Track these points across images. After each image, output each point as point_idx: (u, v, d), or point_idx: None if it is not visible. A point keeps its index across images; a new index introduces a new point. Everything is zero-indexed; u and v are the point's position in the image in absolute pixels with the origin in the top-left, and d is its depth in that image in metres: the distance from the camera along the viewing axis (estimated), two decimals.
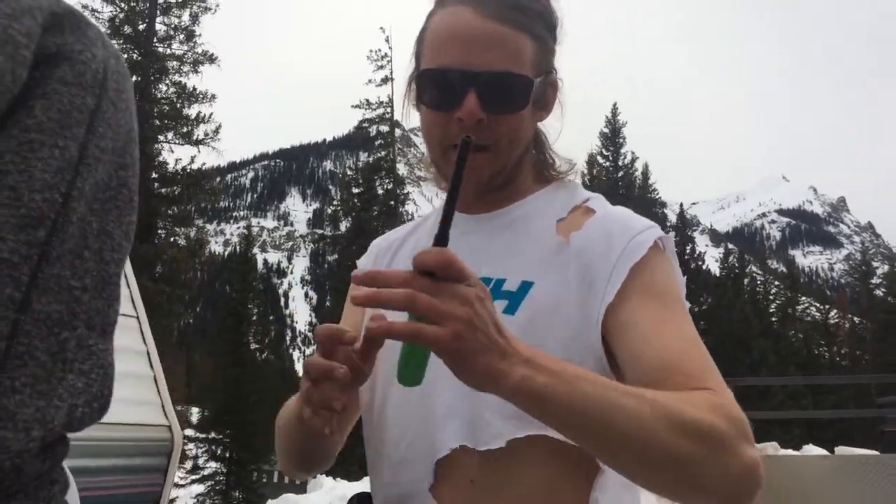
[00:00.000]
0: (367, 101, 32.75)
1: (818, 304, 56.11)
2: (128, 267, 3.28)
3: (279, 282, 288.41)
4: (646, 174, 44.30)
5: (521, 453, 0.97)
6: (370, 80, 32.20)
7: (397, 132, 34.46)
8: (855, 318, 54.18)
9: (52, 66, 0.50)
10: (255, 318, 42.93)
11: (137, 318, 3.18)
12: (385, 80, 31.89)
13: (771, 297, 48.71)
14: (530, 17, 1.04)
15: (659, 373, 0.90)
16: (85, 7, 25.81)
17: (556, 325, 0.98)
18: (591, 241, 1.04)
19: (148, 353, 3.20)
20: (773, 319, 45.65)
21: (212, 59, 27.21)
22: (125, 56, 26.12)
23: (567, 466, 0.97)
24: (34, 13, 0.49)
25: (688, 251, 42.41)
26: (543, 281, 1.02)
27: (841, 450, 9.77)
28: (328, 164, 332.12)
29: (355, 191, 32.83)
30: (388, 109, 32.46)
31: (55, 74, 0.50)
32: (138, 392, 3.08)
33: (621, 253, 1.00)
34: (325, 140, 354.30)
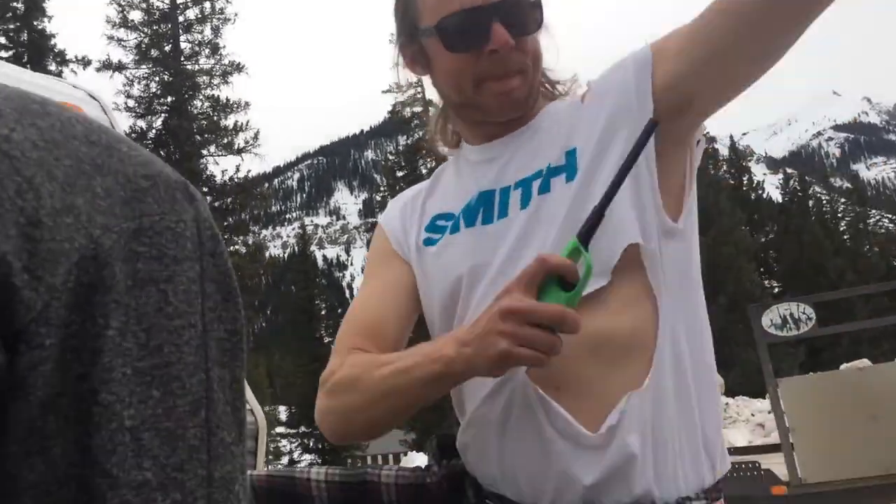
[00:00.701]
0: (397, 84, 32.66)
1: (890, 216, 54.02)
2: None
3: (341, 275, 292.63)
4: None
5: (594, 345, 0.99)
6: (396, 63, 32.08)
7: (431, 110, 34.34)
8: None
9: (155, 238, 0.50)
10: (323, 312, 43.79)
11: None
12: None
13: (839, 216, 47.17)
14: None
15: None
16: (111, 38, 26.43)
17: (613, 153, 1.05)
18: (600, 84, 1.12)
19: None
20: (846, 237, 44.23)
21: (239, 68, 27.55)
22: (157, 79, 26.69)
23: (635, 356, 1.01)
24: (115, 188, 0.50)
25: (745, 182, 41.29)
26: (580, 139, 1.08)
27: None
28: (370, 154, 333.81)
29: (399, 174, 32.97)
30: (419, 89, 32.37)
31: (168, 252, 0.50)
32: None
33: (633, 66, 1.08)
34: (362, 130, 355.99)
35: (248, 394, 3.15)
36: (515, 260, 1.04)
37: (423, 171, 32.25)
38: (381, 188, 40.30)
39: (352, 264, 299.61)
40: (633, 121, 1.03)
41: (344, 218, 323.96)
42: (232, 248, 27.12)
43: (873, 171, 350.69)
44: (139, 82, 26.71)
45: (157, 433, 0.46)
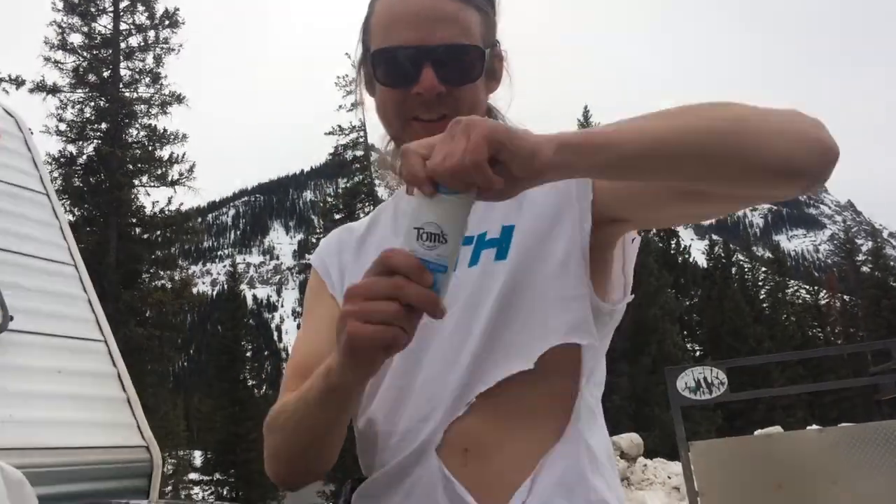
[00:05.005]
0: (340, 126, 32.81)
1: (807, 287, 56.41)
2: (90, 290, 3.24)
3: (270, 316, 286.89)
4: None
5: (513, 408, 0.98)
6: (341, 106, 32.28)
7: (373, 155, 34.45)
8: (845, 297, 54.54)
9: None
10: (248, 355, 42.66)
11: (105, 341, 3.12)
12: (355, 105, 31.94)
13: (760, 284, 48.92)
14: None
15: None
16: (48, 59, 25.78)
17: (548, 254, 1.03)
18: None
19: (119, 376, 3.13)
20: (765, 305, 45.80)
21: (179, 99, 27.19)
22: (92, 104, 26.06)
23: (550, 419, 0.99)
24: None
25: (673, 246, 42.54)
26: (521, 219, 1.06)
27: (842, 426, 9.81)
28: (308, 195, 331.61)
29: (337, 217, 32.75)
30: (362, 133, 32.52)
31: None
32: (112, 415, 3.05)
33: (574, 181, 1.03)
34: (302, 171, 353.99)
35: (145, 428, 3.05)
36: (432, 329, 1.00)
37: (361, 216, 31.79)
38: (318, 230, 40.02)
39: (282, 306, 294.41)
40: (574, 212, 1.03)
41: (278, 258, 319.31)
42: (158, 282, 26.34)
43: (794, 242, 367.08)
44: (73, 106, 26.07)
45: None
